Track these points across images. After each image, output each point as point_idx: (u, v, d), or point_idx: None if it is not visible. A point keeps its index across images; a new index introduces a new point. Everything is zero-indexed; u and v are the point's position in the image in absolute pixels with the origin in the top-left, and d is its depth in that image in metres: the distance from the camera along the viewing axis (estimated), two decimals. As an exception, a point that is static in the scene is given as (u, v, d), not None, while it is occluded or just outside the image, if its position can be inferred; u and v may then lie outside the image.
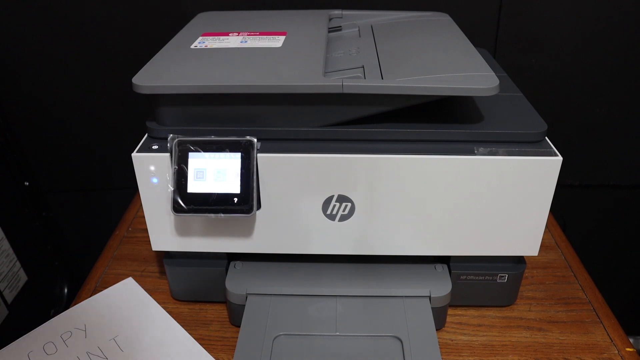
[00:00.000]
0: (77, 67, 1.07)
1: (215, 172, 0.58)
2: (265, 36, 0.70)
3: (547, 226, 0.61)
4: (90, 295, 0.72)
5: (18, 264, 1.10)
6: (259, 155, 0.57)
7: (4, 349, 0.64)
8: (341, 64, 0.66)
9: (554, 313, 0.70)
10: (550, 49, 1.05)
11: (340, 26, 0.82)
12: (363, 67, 0.63)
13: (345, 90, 0.55)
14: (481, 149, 0.57)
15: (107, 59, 1.06)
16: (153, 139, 0.60)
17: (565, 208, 1.19)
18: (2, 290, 1.04)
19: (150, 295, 0.71)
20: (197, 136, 0.58)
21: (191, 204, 0.58)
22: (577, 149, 1.14)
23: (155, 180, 0.59)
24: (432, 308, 0.64)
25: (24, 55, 1.06)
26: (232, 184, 0.58)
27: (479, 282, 0.67)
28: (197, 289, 0.70)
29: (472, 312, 0.70)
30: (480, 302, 0.70)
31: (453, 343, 0.66)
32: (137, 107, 1.05)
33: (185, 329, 0.66)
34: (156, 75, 0.59)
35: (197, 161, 0.58)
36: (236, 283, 0.66)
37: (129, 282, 0.74)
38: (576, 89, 1.08)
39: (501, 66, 0.78)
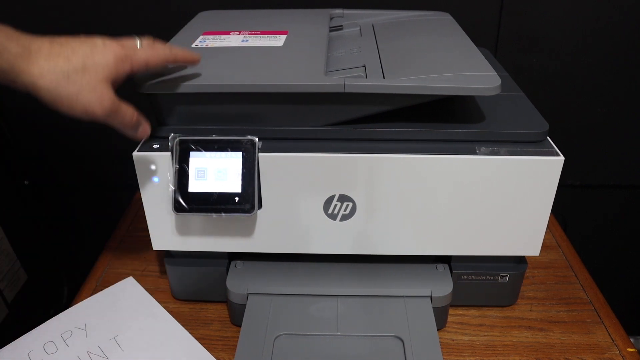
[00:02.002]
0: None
1: (216, 171, 0.58)
2: (266, 35, 0.70)
3: (548, 226, 0.61)
4: (91, 295, 0.72)
5: (18, 263, 1.10)
6: (260, 154, 0.57)
7: (4, 349, 0.63)
8: (342, 63, 0.66)
9: (555, 313, 0.70)
10: (551, 49, 1.04)
11: (342, 25, 0.82)
12: (364, 66, 0.63)
13: (347, 90, 0.55)
14: (483, 149, 0.57)
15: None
16: (154, 138, 0.60)
17: (566, 208, 1.19)
18: (2, 289, 1.04)
19: (151, 295, 0.71)
20: (198, 135, 0.58)
21: (192, 203, 0.58)
22: (577, 149, 1.14)
23: (156, 179, 0.59)
24: (433, 308, 0.63)
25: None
26: (233, 184, 0.57)
27: (480, 282, 0.67)
28: (198, 288, 0.70)
29: (473, 312, 0.70)
30: (482, 302, 0.70)
31: (454, 343, 0.66)
32: (138, 107, 1.05)
33: (186, 329, 0.66)
34: (157, 75, 0.59)
35: (198, 160, 0.58)
36: (237, 282, 0.66)
37: (130, 281, 0.74)
38: (577, 89, 1.08)
39: (502, 66, 0.78)
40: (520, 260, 0.67)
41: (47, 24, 1.03)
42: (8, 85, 0.45)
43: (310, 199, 0.60)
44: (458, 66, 0.60)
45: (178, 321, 0.67)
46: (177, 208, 0.58)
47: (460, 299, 0.68)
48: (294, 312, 0.63)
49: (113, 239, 0.85)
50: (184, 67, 0.59)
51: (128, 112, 0.52)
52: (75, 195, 1.25)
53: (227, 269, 0.68)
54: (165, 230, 0.63)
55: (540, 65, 1.06)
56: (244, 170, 0.57)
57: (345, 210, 0.60)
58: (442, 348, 0.59)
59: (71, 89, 0.46)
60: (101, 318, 0.67)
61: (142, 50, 0.51)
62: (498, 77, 0.56)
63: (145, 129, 0.55)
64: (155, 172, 0.59)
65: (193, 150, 0.57)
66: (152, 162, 0.58)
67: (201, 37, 0.70)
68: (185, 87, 0.57)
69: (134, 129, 0.54)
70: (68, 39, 0.48)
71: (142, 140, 0.60)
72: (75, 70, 0.46)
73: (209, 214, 0.58)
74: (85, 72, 0.47)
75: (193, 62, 0.56)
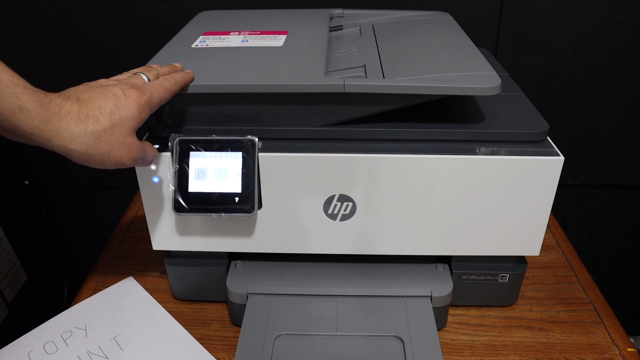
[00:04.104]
0: (77, 67, 1.07)
1: (216, 171, 0.58)
2: (266, 35, 0.70)
3: (548, 226, 0.61)
4: (91, 295, 0.72)
5: (18, 263, 1.10)
6: (260, 154, 0.57)
7: (4, 349, 0.63)
8: (342, 63, 0.66)
9: (555, 313, 0.70)
10: (551, 49, 1.04)
11: (342, 25, 0.82)
12: (364, 66, 0.63)
13: (347, 90, 0.55)
14: (483, 149, 0.57)
15: (108, 58, 1.06)
16: (154, 138, 0.60)
17: (566, 208, 1.19)
18: (2, 289, 1.04)
19: (151, 295, 0.71)
20: (198, 135, 0.58)
21: (192, 204, 0.58)
22: (578, 148, 1.14)
23: (156, 179, 0.59)
24: (433, 308, 0.63)
25: (23, 53, 1.06)
26: (233, 184, 0.57)
27: (480, 282, 0.67)
28: (198, 288, 0.70)
29: (473, 312, 0.70)
30: (482, 302, 0.70)
31: (454, 343, 0.66)
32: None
33: (186, 329, 0.66)
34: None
35: (198, 160, 0.58)
36: (237, 282, 0.66)
37: (130, 281, 0.74)
38: (577, 89, 1.08)
39: (502, 65, 0.78)
40: (520, 260, 0.67)
41: (47, 24, 1.03)
42: (34, 145, 0.46)
43: (310, 199, 0.60)
44: (458, 66, 0.60)
45: (178, 321, 0.67)
46: (177, 208, 0.58)
47: (460, 299, 0.68)
48: (294, 312, 0.63)
49: (113, 239, 0.85)
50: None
51: (151, 152, 0.54)
52: (75, 195, 1.25)
53: (227, 269, 0.68)
54: (165, 230, 0.63)
55: (540, 65, 1.06)
56: (244, 170, 0.57)
57: (345, 210, 0.60)
58: (442, 348, 0.59)
59: (103, 148, 0.47)
60: (101, 318, 0.67)
61: (155, 91, 0.52)
62: (498, 77, 0.56)
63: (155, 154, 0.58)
64: (155, 172, 0.59)
65: (193, 150, 0.57)
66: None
67: (201, 37, 0.70)
68: (186, 88, 0.57)
69: (153, 162, 0.57)
70: (91, 93, 0.48)
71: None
72: (105, 130, 0.47)
73: (209, 214, 0.58)
74: (114, 129, 0.48)
75: (190, 81, 0.57)
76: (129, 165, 0.51)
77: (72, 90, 0.49)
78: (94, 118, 0.47)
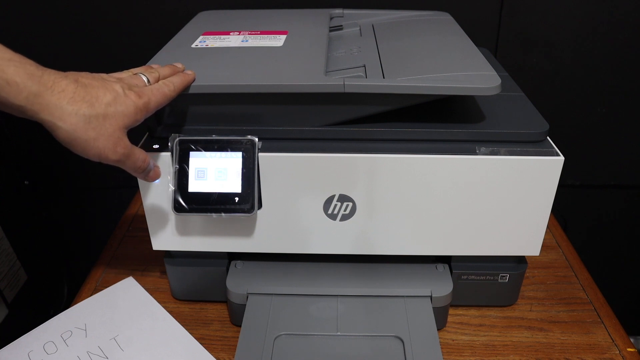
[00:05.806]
0: (77, 67, 1.06)
1: (216, 171, 0.58)
2: (266, 35, 0.70)
3: (548, 226, 0.61)
4: (91, 295, 0.72)
5: (18, 263, 1.10)
6: (260, 154, 0.57)
7: (4, 349, 0.63)
8: (342, 63, 0.66)
9: (555, 313, 0.70)
10: (551, 49, 1.04)
11: (342, 25, 0.82)
12: (364, 66, 0.63)
13: (347, 90, 0.55)
14: (483, 149, 0.57)
15: (108, 57, 1.06)
16: (154, 138, 0.60)
17: (566, 208, 1.19)
18: (2, 289, 1.04)
19: (151, 295, 0.71)
20: (198, 135, 0.58)
21: (192, 204, 0.58)
22: (578, 148, 1.14)
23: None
24: (433, 308, 0.63)
25: (23, 53, 1.06)
26: (233, 184, 0.57)
27: (480, 282, 0.67)
28: (198, 288, 0.70)
29: (473, 312, 0.70)
30: (482, 302, 0.70)
31: (454, 343, 0.66)
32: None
33: (186, 329, 0.66)
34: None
35: (198, 160, 0.58)
36: (237, 282, 0.66)
37: (130, 281, 0.74)
38: (577, 89, 1.08)
39: (502, 65, 0.78)
40: (520, 260, 0.67)
41: (47, 24, 1.03)
42: (24, 117, 0.45)
43: (310, 199, 0.60)
44: (458, 66, 0.60)
45: (178, 321, 0.67)
46: (177, 208, 0.58)
47: (460, 299, 0.68)
48: (294, 312, 0.63)
49: (113, 239, 0.85)
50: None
51: (140, 158, 0.53)
52: (75, 195, 1.25)
53: (227, 269, 0.68)
54: (165, 230, 0.63)
55: (540, 65, 1.06)
56: (244, 170, 0.57)
57: (345, 210, 0.60)
58: (442, 348, 0.59)
59: (90, 134, 0.47)
60: (101, 318, 0.67)
61: (153, 96, 0.51)
62: (498, 77, 0.56)
63: (155, 173, 0.56)
64: (155, 172, 0.59)
65: (193, 150, 0.57)
66: (152, 162, 0.58)
67: (201, 37, 0.70)
68: (186, 88, 0.57)
69: (145, 173, 0.54)
70: (92, 81, 0.48)
71: (142, 140, 0.60)
72: (97, 116, 0.47)
73: (209, 214, 0.58)
74: (106, 119, 0.47)
75: (191, 83, 0.56)
76: (112, 160, 0.49)
77: (73, 73, 0.48)
78: (88, 102, 0.46)
